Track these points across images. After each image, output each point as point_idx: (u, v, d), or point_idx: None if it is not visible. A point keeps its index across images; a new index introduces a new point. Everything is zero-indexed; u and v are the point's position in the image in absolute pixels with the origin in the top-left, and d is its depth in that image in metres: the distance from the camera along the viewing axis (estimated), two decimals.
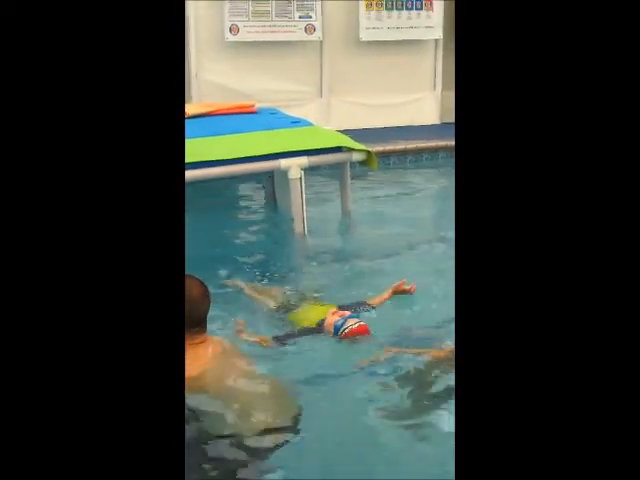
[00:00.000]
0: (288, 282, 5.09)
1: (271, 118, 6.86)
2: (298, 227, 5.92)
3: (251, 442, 2.89)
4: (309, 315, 4.20)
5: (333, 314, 3.96)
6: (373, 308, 4.36)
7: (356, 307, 4.28)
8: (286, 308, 4.38)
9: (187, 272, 2.44)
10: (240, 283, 4.86)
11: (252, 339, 3.87)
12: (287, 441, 2.94)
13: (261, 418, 3.00)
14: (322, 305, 4.34)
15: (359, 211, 6.71)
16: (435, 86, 10.42)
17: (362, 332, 3.88)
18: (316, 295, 4.55)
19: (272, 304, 4.49)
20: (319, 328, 4.00)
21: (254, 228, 6.67)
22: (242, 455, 2.85)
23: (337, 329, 3.87)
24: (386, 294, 4.48)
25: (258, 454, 2.86)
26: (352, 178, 6.59)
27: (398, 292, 4.50)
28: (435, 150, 9.15)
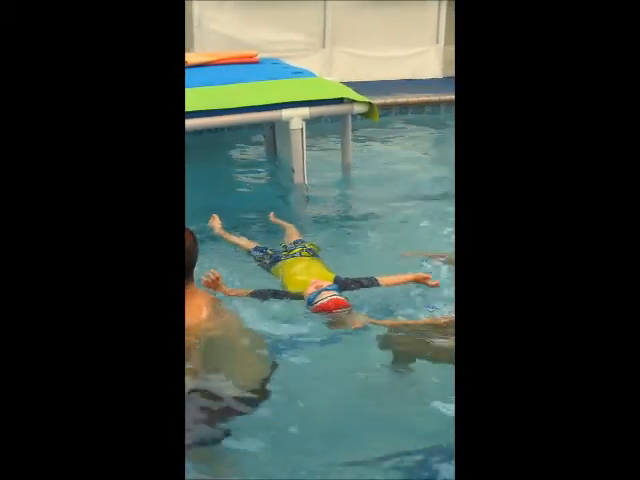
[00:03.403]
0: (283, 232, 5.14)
1: (273, 68, 6.83)
2: (298, 178, 5.95)
3: (233, 393, 2.90)
4: (290, 270, 4.14)
5: (312, 284, 3.79)
6: (378, 286, 4.05)
7: (361, 282, 4.00)
8: (271, 258, 4.35)
9: (186, 223, 2.45)
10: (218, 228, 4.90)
11: (232, 293, 3.81)
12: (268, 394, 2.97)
13: (244, 371, 3.03)
14: (309, 258, 4.28)
15: (358, 164, 6.72)
16: (438, 40, 10.33)
17: (333, 307, 3.68)
18: (311, 246, 4.47)
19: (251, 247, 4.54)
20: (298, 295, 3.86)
21: (254, 178, 6.68)
22: (223, 408, 2.86)
23: (310, 301, 3.72)
24: (404, 278, 4.10)
25: (240, 407, 2.88)
26: (353, 130, 6.59)
27: (419, 281, 4.08)
28: (437, 104, 9.12)
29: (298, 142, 5.82)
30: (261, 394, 2.94)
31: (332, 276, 4.00)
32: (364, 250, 4.95)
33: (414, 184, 6.39)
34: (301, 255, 4.31)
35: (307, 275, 4.01)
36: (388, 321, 3.70)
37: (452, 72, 9.18)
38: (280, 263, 4.26)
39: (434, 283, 4.00)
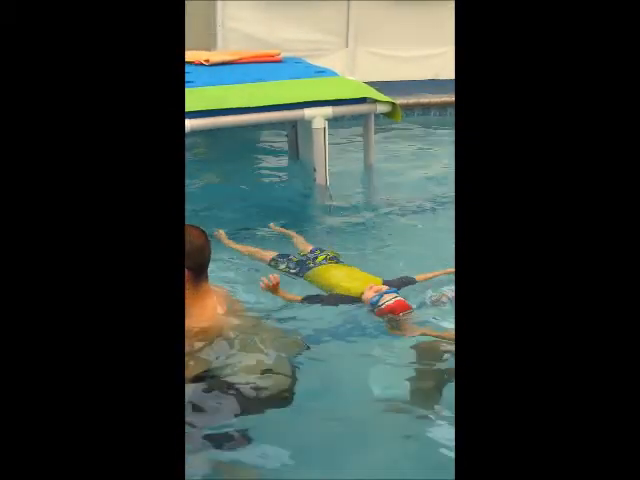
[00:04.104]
0: (307, 235, 5.11)
1: (296, 67, 6.81)
2: (320, 178, 5.91)
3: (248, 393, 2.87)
4: (330, 276, 4.13)
5: (369, 289, 3.80)
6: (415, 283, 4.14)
7: (402, 282, 4.08)
8: (300, 266, 4.32)
9: (210, 222, 2.43)
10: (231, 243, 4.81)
11: (288, 297, 3.84)
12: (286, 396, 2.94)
13: (260, 370, 3.00)
14: (342, 266, 4.28)
15: (381, 164, 6.68)
16: None
17: (399, 308, 3.70)
18: (333, 253, 4.45)
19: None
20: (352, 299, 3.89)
21: (276, 178, 6.67)
22: (236, 406, 2.83)
23: (373, 303, 3.73)
24: (433, 273, 4.22)
25: (254, 406, 2.85)
26: (375, 131, 6.54)
27: (449, 273, 4.14)
28: None
29: (320, 141, 5.78)
30: (280, 393, 2.91)
31: (379, 279, 4.02)
32: (386, 253, 4.91)
33: (436, 185, 6.36)
34: (327, 262, 4.31)
35: (353, 280, 4.03)
36: (445, 333, 3.58)
37: None
38: (313, 270, 4.24)
39: None
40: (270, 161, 7.26)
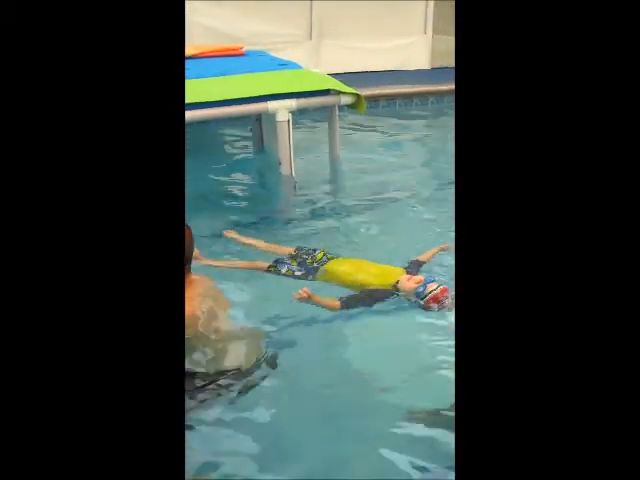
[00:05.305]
0: (275, 229, 5.10)
1: (259, 60, 6.79)
2: (285, 170, 5.91)
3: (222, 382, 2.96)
4: (344, 273, 4.14)
5: (408, 280, 3.87)
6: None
7: (414, 265, 4.21)
8: (303, 267, 4.31)
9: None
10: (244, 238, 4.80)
11: (326, 303, 3.83)
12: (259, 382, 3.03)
13: (235, 359, 3.10)
14: (347, 260, 4.30)
15: (346, 155, 6.69)
16: (426, 30, 10.27)
17: (443, 296, 3.78)
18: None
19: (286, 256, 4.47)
20: (389, 292, 3.93)
21: (241, 171, 6.65)
22: (212, 394, 2.93)
23: (420, 296, 3.79)
24: (431, 252, 4.40)
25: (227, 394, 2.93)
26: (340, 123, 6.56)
27: (444, 250, 4.41)
28: (425, 95, 9.10)
29: (285, 134, 5.78)
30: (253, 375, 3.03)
31: (401, 269, 4.10)
32: (358, 242, 4.97)
33: (402, 175, 6.40)
34: (328, 258, 4.33)
35: (376, 272, 4.07)
36: None
37: (440, 63, 9.26)
38: (325, 268, 4.24)
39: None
40: (235, 155, 7.24)
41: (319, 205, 5.73)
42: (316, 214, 5.55)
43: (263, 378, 3.09)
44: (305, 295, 3.72)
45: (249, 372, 3.09)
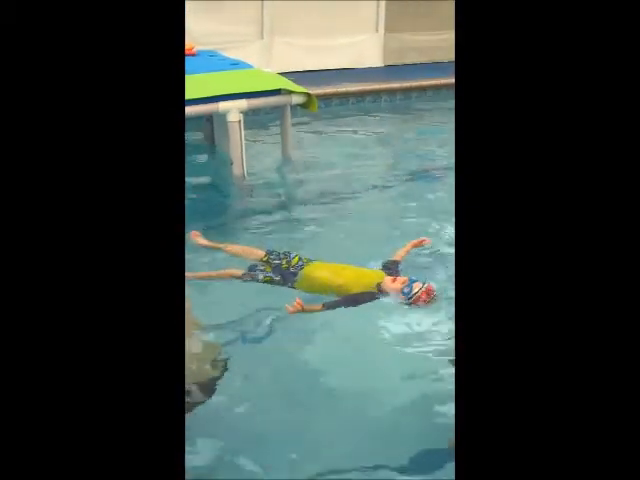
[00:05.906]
0: (229, 230, 5.08)
1: (210, 60, 6.77)
2: (237, 170, 5.91)
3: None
4: (324, 279, 4.14)
5: (393, 281, 3.97)
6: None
7: (391, 265, 4.29)
8: (279, 272, 4.28)
9: None
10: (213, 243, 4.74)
11: (311, 309, 3.88)
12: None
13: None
14: (323, 264, 4.28)
15: (299, 155, 6.70)
16: (378, 28, 10.29)
17: (430, 294, 3.92)
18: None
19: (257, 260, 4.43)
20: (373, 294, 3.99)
21: (191, 171, 6.58)
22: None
23: (407, 295, 3.89)
24: (406, 248, 4.48)
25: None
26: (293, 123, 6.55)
27: (417, 245, 4.55)
28: (378, 93, 9.13)
29: (236, 134, 5.79)
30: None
31: (380, 272, 4.17)
32: (320, 242, 4.98)
33: (357, 173, 6.41)
34: (304, 262, 4.32)
35: (355, 276, 4.11)
36: None
37: (393, 61, 9.27)
38: (302, 275, 4.22)
39: (428, 241, 4.55)
40: (185, 156, 7.16)
41: (271, 203, 5.73)
42: (268, 212, 5.54)
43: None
44: (300, 308, 3.79)
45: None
